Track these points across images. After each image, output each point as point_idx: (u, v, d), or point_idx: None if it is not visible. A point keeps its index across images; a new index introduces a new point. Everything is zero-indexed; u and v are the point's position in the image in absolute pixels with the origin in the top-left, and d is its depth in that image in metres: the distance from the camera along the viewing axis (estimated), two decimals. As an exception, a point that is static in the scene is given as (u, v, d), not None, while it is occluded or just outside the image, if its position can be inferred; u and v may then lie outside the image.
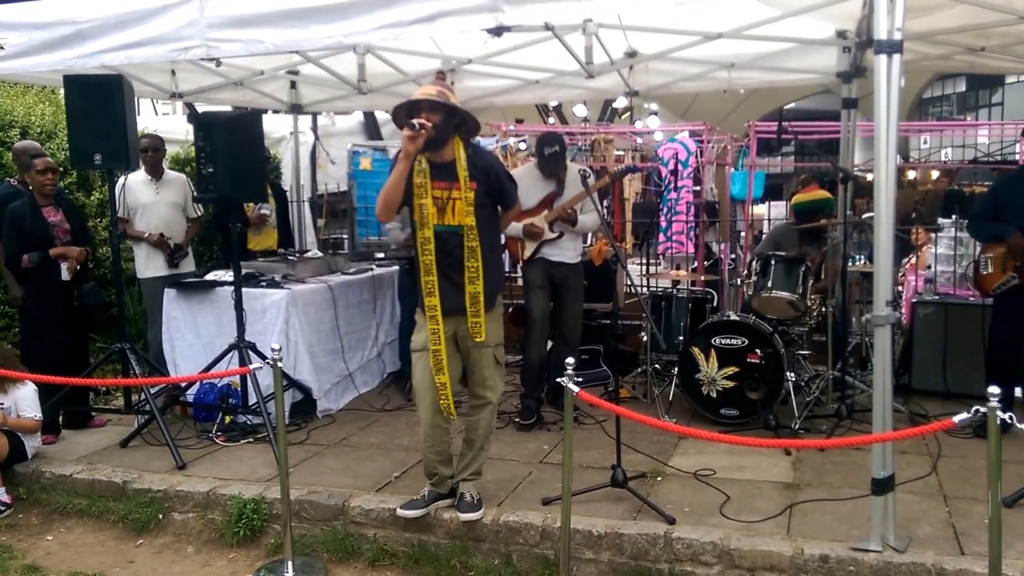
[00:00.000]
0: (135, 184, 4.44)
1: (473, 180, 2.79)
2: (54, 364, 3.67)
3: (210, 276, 4.36)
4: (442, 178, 2.77)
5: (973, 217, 3.90)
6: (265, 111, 5.28)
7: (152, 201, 4.47)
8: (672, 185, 5.99)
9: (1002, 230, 3.60)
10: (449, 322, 2.81)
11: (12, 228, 3.87)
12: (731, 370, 3.91)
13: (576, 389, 2.51)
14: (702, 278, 5.13)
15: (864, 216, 4.97)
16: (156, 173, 4.52)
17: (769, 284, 4.00)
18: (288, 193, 6.05)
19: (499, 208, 2.96)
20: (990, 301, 4.26)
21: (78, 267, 4.02)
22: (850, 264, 4.28)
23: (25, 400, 3.53)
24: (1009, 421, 2.10)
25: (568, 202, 3.98)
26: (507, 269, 6.32)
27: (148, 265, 4.46)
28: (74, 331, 4.07)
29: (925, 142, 14.50)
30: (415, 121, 2.67)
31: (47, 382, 3.48)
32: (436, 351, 2.78)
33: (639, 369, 4.65)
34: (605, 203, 6.76)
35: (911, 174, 11.31)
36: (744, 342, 3.90)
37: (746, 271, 4.56)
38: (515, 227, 4.01)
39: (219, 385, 4.06)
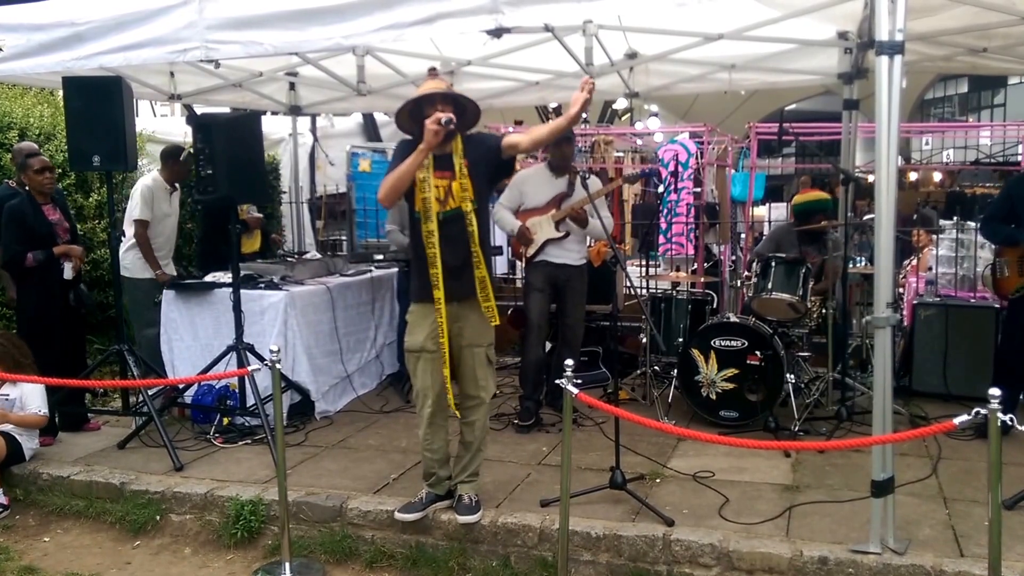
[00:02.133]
0: (159, 192, 4.43)
1: (465, 159, 2.80)
2: (53, 364, 3.66)
3: (208, 277, 4.36)
4: (442, 168, 2.77)
5: (987, 218, 3.80)
6: (264, 112, 5.28)
7: (171, 212, 4.53)
8: (672, 187, 5.98)
9: (1018, 233, 3.55)
10: (448, 316, 2.80)
11: (14, 226, 3.81)
12: (731, 372, 3.89)
13: (575, 391, 2.50)
14: (702, 280, 5.12)
15: (865, 218, 4.96)
16: (174, 186, 4.54)
17: (769, 286, 3.99)
18: (287, 194, 6.06)
19: (500, 155, 2.83)
20: (991, 303, 4.25)
21: (81, 266, 4.02)
22: (851, 266, 4.26)
23: (32, 394, 3.53)
24: (1010, 423, 2.09)
25: (576, 203, 3.97)
26: (506, 270, 6.34)
27: (144, 267, 4.43)
28: (70, 332, 4.06)
29: (927, 143, 14.48)
30: (445, 117, 2.64)
31: (45, 383, 3.47)
32: (443, 343, 2.78)
33: (638, 371, 4.64)
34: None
35: (912, 175, 11.30)
36: (744, 344, 3.89)
37: (746, 272, 4.55)
38: (512, 223, 3.99)
39: (217, 387, 4.05)
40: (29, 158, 3.96)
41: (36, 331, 3.90)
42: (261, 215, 4.98)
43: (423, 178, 2.75)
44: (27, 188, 3.93)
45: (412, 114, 2.82)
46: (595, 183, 3.93)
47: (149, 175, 4.52)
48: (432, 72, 2.96)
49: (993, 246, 3.90)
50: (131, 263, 4.39)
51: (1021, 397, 3.81)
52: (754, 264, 4.27)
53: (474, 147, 2.85)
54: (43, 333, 3.89)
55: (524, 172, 4.37)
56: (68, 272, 3.92)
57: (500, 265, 6.18)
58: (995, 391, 2.07)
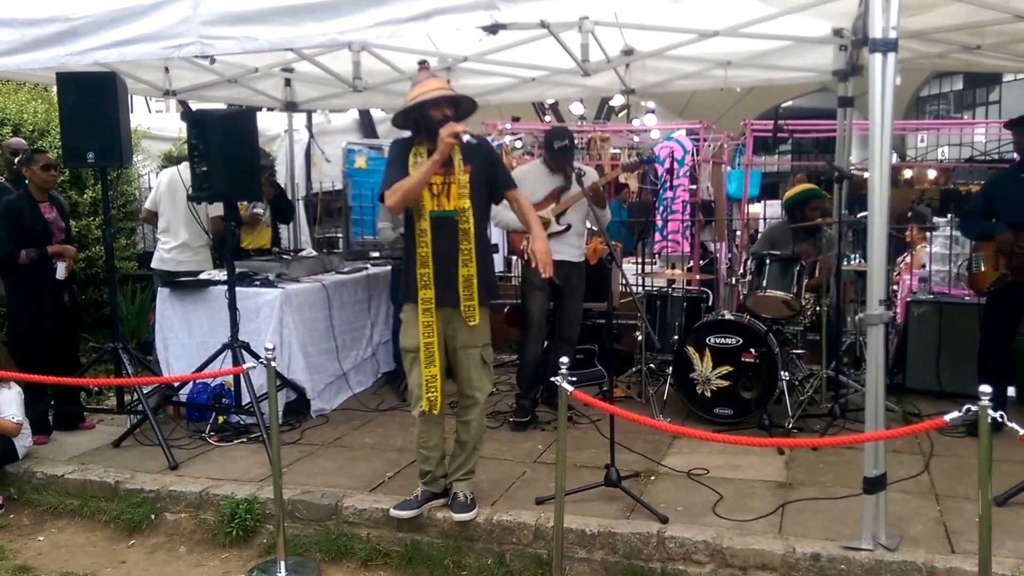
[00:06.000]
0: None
1: (468, 163, 2.80)
2: (44, 363, 3.64)
3: (204, 275, 4.35)
4: (439, 166, 2.77)
5: (966, 214, 3.90)
6: (259, 109, 5.26)
7: None
8: (668, 184, 5.99)
9: (991, 227, 3.59)
10: (441, 316, 2.80)
11: (10, 222, 3.78)
12: (725, 369, 3.90)
13: (570, 388, 2.50)
14: (697, 277, 5.13)
15: (860, 216, 4.97)
16: None
17: (764, 283, 4.00)
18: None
19: (497, 193, 2.90)
20: (982, 301, 4.27)
21: (74, 266, 4.01)
22: (845, 263, 4.28)
23: (8, 402, 3.48)
24: (1000, 420, 2.10)
25: (574, 196, 3.97)
26: (503, 268, 6.33)
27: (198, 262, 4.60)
28: (64, 331, 4.04)
29: (922, 140, 14.53)
30: (465, 135, 2.66)
31: (38, 382, 3.46)
32: (428, 343, 2.77)
33: (634, 368, 4.65)
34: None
35: (907, 173, 11.34)
36: (738, 341, 3.90)
37: (741, 270, 4.56)
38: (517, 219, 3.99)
39: (212, 385, 4.04)
40: (35, 153, 3.94)
41: (26, 330, 3.88)
42: (260, 211, 4.93)
43: None
44: (27, 183, 3.90)
45: (409, 111, 2.82)
46: (591, 176, 3.93)
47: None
48: (423, 65, 2.94)
49: (972, 241, 3.93)
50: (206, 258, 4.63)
51: (1009, 392, 3.84)
52: (749, 262, 4.28)
53: (476, 154, 2.84)
54: (34, 332, 3.87)
55: (521, 169, 4.36)
56: (61, 272, 3.89)
57: (496, 263, 6.17)
58: (985, 388, 2.08)
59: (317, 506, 3.08)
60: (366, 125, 7.24)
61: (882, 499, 2.57)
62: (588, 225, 4.27)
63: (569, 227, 4.03)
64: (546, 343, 4.41)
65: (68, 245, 3.99)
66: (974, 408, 2.09)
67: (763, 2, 3.53)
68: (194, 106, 5.19)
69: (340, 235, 6.56)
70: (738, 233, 6.61)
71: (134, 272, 5.84)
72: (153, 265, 4.71)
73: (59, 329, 3.97)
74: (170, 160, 5.98)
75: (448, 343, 2.88)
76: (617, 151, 8.36)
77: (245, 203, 4.81)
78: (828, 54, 4.13)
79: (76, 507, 3.35)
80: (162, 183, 4.67)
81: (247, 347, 3.83)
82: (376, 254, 5.19)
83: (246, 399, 3.84)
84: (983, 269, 3.65)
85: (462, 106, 2.84)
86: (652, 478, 3.27)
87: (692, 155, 6.12)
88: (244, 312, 3.93)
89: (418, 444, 2.96)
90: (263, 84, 5.13)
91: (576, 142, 7.32)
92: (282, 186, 5.58)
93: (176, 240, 4.58)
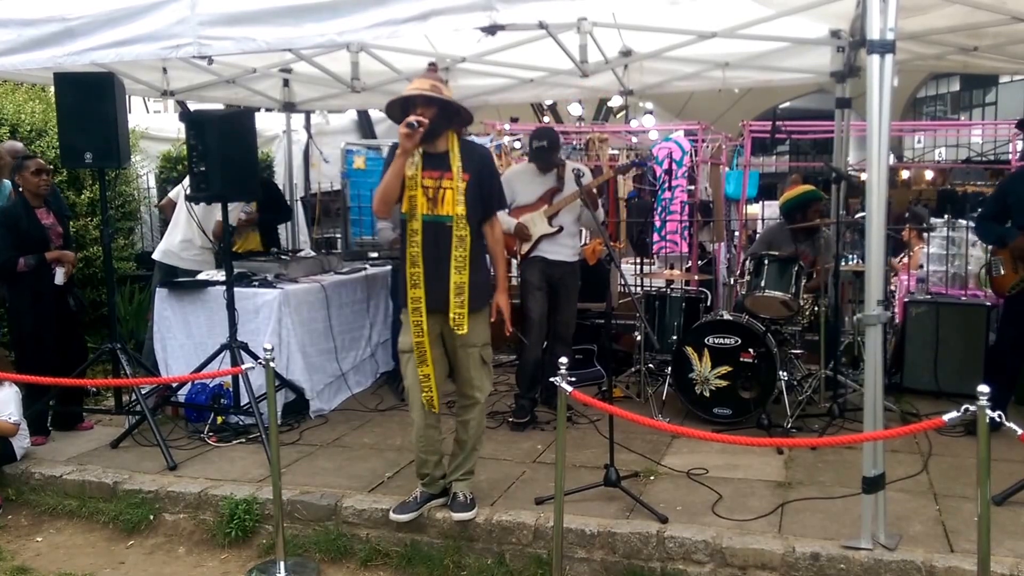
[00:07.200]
0: None
1: (466, 172, 2.80)
2: (47, 368, 3.63)
3: (202, 275, 4.34)
4: (433, 167, 2.77)
5: (980, 218, 3.86)
6: (258, 109, 5.25)
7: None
8: (666, 184, 6.00)
9: (1005, 232, 3.59)
10: (434, 319, 2.79)
11: (6, 230, 3.77)
12: (724, 369, 3.91)
13: (569, 389, 2.50)
14: (696, 278, 5.14)
15: (857, 216, 4.98)
16: None
17: (762, 284, 4.01)
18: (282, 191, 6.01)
19: (487, 210, 2.93)
20: (982, 300, 4.28)
21: (73, 271, 4.00)
22: (843, 264, 4.29)
23: (5, 402, 3.47)
24: (999, 419, 2.11)
25: (567, 198, 3.98)
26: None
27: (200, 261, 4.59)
28: (70, 334, 4.02)
29: (919, 142, 14.57)
30: (412, 119, 2.66)
31: (37, 382, 3.45)
32: (419, 343, 2.77)
33: (633, 368, 4.65)
34: (600, 200, 6.75)
35: (905, 174, 11.38)
36: (737, 341, 3.91)
37: (739, 271, 4.57)
38: (508, 222, 3.99)
39: (211, 385, 4.04)
40: (26, 160, 3.92)
41: (29, 335, 3.87)
42: (243, 215, 4.88)
43: (412, 175, 2.76)
44: (20, 190, 3.89)
45: (403, 110, 2.83)
46: (589, 177, 3.93)
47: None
48: (431, 67, 2.96)
49: (988, 245, 3.93)
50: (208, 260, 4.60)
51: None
52: (747, 263, 4.29)
53: (476, 164, 2.84)
54: (36, 337, 3.86)
55: (513, 169, 4.37)
56: (59, 278, 3.88)
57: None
58: (983, 388, 2.09)
59: (316, 506, 3.08)
60: (364, 126, 7.23)
61: (881, 499, 2.58)
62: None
63: (561, 229, 4.03)
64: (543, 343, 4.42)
65: (66, 250, 3.97)
66: (972, 408, 2.10)
67: (761, 4, 3.54)
68: (192, 106, 5.17)
69: (339, 236, 6.55)
70: (736, 233, 6.62)
71: (132, 272, 5.83)
72: (156, 256, 4.68)
73: (64, 332, 3.96)
74: (169, 160, 5.97)
75: (447, 342, 2.88)
76: (615, 152, 8.36)
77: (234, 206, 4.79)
78: (826, 55, 4.14)
79: (74, 508, 3.34)
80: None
81: (246, 347, 3.83)
82: (375, 254, 5.18)
83: (245, 400, 3.83)
84: (1003, 273, 3.64)
85: (459, 114, 2.83)
86: (651, 478, 3.28)
87: (690, 156, 6.13)
88: (243, 312, 3.93)
89: (416, 445, 2.96)
90: (261, 84, 5.13)
91: (575, 143, 7.35)
92: (279, 187, 5.57)
93: (184, 235, 4.59)
